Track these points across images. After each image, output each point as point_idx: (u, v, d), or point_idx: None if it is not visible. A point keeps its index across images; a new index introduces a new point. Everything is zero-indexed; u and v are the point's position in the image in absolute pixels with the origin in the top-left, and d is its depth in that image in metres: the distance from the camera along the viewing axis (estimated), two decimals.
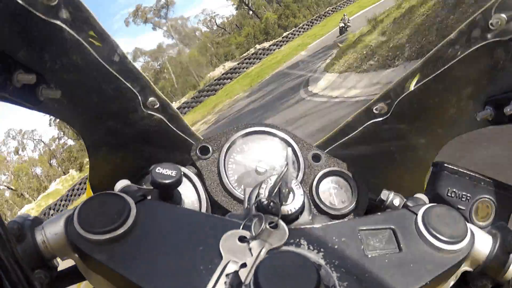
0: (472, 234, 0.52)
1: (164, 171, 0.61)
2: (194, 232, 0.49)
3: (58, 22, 0.56)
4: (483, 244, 0.53)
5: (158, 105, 0.79)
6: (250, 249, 0.44)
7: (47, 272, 0.48)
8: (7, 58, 0.52)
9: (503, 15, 0.52)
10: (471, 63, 0.60)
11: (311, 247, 0.48)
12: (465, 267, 0.53)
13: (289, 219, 0.53)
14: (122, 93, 0.72)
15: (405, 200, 0.64)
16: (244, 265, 0.43)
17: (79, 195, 21.22)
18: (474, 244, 0.52)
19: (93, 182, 0.83)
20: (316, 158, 0.90)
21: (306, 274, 0.40)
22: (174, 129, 0.85)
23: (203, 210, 0.81)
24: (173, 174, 0.61)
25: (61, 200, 21.35)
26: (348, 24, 23.18)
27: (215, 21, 55.06)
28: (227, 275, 0.43)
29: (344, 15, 25.26)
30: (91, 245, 0.46)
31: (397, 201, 0.65)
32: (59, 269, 0.52)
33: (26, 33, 0.54)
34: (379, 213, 0.56)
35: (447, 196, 0.59)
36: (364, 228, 0.52)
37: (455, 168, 0.60)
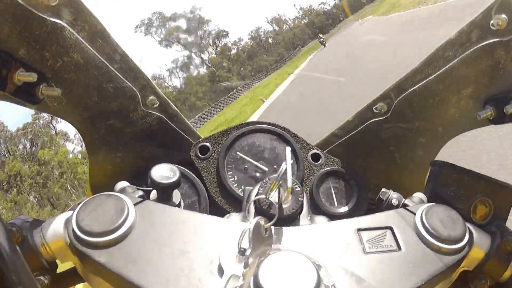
0: (471, 233, 0.53)
1: (163, 172, 0.61)
2: (193, 234, 0.49)
3: (59, 22, 0.56)
4: (482, 243, 0.53)
5: (158, 104, 0.79)
6: (248, 259, 0.44)
7: (47, 274, 0.48)
8: (7, 57, 0.52)
9: (504, 16, 0.52)
10: (472, 63, 0.60)
11: (310, 247, 0.48)
12: (464, 266, 0.53)
13: (289, 219, 0.53)
14: (122, 92, 0.72)
15: (404, 199, 0.64)
16: (244, 276, 0.42)
17: None
18: (472, 243, 0.52)
19: (93, 182, 0.83)
20: (316, 157, 0.90)
21: (306, 274, 0.40)
22: (175, 127, 0.85)
23: (203, 210, 0.81)
24: (172, 175, 0.61)
25: None
26: (324, 38, 37.09)
27: None
28: None
29: (319, 35, 38.53)
30: (89, 248, 0.45)
31: (396, 201, 0.65)
32: (58, 270, 0.52)
33: (26, 32, 0.53)
34: (378, 213, 0.56)
35: (445, 195, 0.59)
36: (363, 227, 0.52)
37: (454, 167, 0.60)
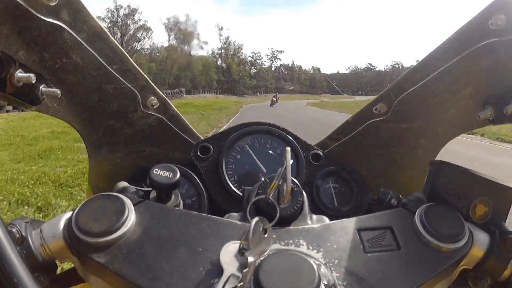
0: (470, 232, 0.53)
1: (162, 173, 0.60)
2: (193, 234, 0.49)
3: (58, 22, 0.56)
4: (481, 242, 0.53)
5: (158, 105, 0.79)
6: (247, 259, 0.44)
7: (46, 275, 0.48)
8: (6, 58, 0.52)
9: (503, 16, 0.52)
10: (471, 63, 0.60)
11: (310, 247, 0.48)
12: (463, 266, 0.53)
13: (288, 219, 0.53)
14: (122, 92, 0.72)
15: (403, 199, 0.64)
16: (243, 276, 0.43)
17: None
18: (472, 242, 0.52)
19: (92, 182, 0.83)
20: (316, 158, 0.90)
21: (306, 273, 0.40)
22: (175, 128, 0.85)
23: (203, 210, 0.81)
24: (171, 176, 0.61)
25: None
26: (277, 101, 37.01)
27: None
28: None
29: (276, 94, 39.31)
30: (89, 248, 0.45)
31: (395, 200, 0.65)
32: (58, 271, 0.52)
33: (26, 33, 0.53)
34: (378, 213, 0.56)
35: (445, 194, 0.59)
36: (363, 227, 0.52)
37: (453, 167, 0.60)
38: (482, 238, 0.53)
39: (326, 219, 0.57)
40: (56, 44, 0.58)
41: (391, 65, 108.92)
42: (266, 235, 0.47)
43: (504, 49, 0.55)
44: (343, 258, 0.47)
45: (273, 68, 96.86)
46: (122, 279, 0.43)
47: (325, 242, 0.49)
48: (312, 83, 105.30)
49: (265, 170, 0.86)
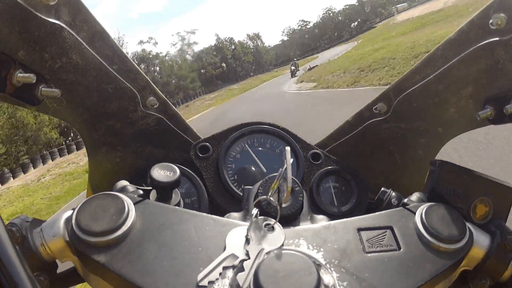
0: (471, 233, 0.53)
1: (163, 172, 0.60)
2: (193, 233, 0.49)
3: (58, 22, 0.56)
4: (482, 243, 0.53)
5: (157, 105, 0.79)
6: (249, 252, 0.44)
7: (46, 274, 0.48)
8: (6, 58, 0.52)
9: (503, 15, 0.52)
10: (471, 63, 0.60)
11: (310, 247, 0.48)
12: (464, 266, 0.53)
13: (289, 219, 0.53)
14: (121, 92, 0.72)
15: (403, 198, 0.64)
16: (243, 266, 0.43)
17: None
18: (472, 243, 0.52)
19: (92, 181, 0.83)
20: (316, 157, 0.90)
21: (306, 274, 0.40)
22: (174, 128, 0.85)
23: (203, 210, 0.81)
24: (171, 175, 0.61)
25: None
26: (298, 69, 31.66)
27: None
28: (225, 267, 0.43)
29: (294, 60, 33.33)
30: (89, 247, 0.45)
31: (395, 200, 0.65)
32: (58, 270, 0.52)
33: (25, 33, 0.53)
34: (378, 212, 0.56)
35: (445, 194, 0.59)
36: (363, 227, 0.52)
37: (453, 166, 0.60)
38: (482, 239, 0.53)
39: (326, 219, 0.57)
40: (56, 44, 0.58)
41: (323, 14, 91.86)
42: (266, 235, 0.47)
43: (504, 49, 0.55)
44: (343, 259, 0.47)
45: (189, 59, 60.36)
46: (122, 278, 0.43)
47: (325, 242, 0.49)
48: (257, 58, 72.88)
49: (265, 170, 0.86)
